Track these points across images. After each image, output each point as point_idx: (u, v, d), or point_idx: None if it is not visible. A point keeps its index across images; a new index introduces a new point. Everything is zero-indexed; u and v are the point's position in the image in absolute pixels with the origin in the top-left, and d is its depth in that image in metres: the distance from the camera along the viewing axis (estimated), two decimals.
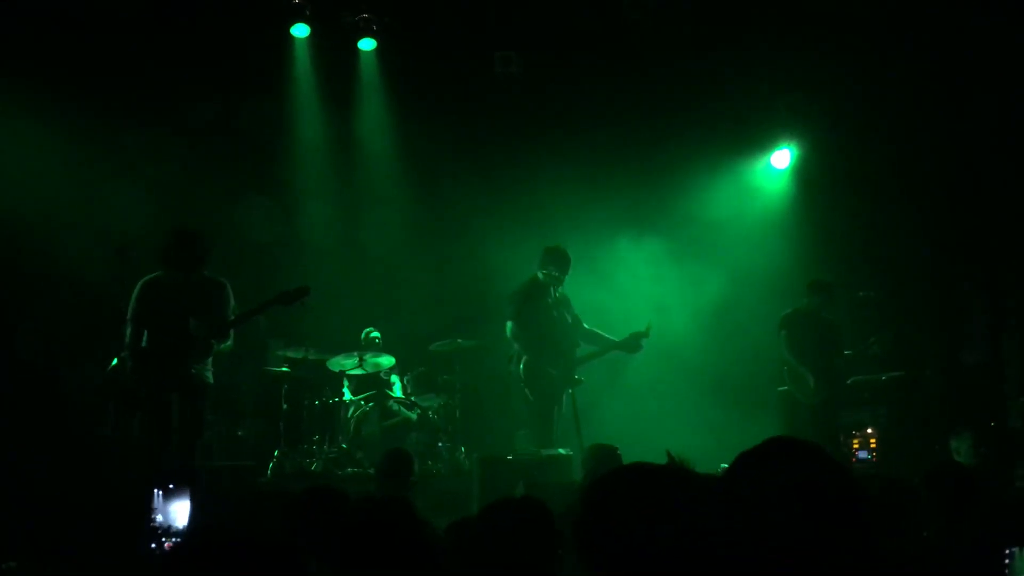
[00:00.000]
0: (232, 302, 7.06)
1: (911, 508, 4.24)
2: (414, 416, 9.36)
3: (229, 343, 7.05)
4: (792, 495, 1.79)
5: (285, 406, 9.15)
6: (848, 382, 9.13)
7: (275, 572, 1.87)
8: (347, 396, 9.51)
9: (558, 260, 8.45)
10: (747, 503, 1.79)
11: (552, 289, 8.46)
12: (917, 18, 9.22)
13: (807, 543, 1.79)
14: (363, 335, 9.82)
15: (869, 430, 9.22)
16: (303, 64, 10.30)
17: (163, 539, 4.39)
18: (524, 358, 8.35)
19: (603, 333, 8.76)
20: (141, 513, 4.71)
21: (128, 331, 6.86)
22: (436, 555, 2.74)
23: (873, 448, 9.10)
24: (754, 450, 1.90)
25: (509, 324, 8.43)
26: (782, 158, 10.82)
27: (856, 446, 9.17)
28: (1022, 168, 9.35)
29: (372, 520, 2.75)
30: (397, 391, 9.84)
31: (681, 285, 10.06)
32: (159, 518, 4.63)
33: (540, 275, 8.45)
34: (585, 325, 8.72)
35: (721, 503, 1.82)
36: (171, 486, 4.67)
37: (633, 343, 8.65)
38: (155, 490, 4.67)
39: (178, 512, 4.63)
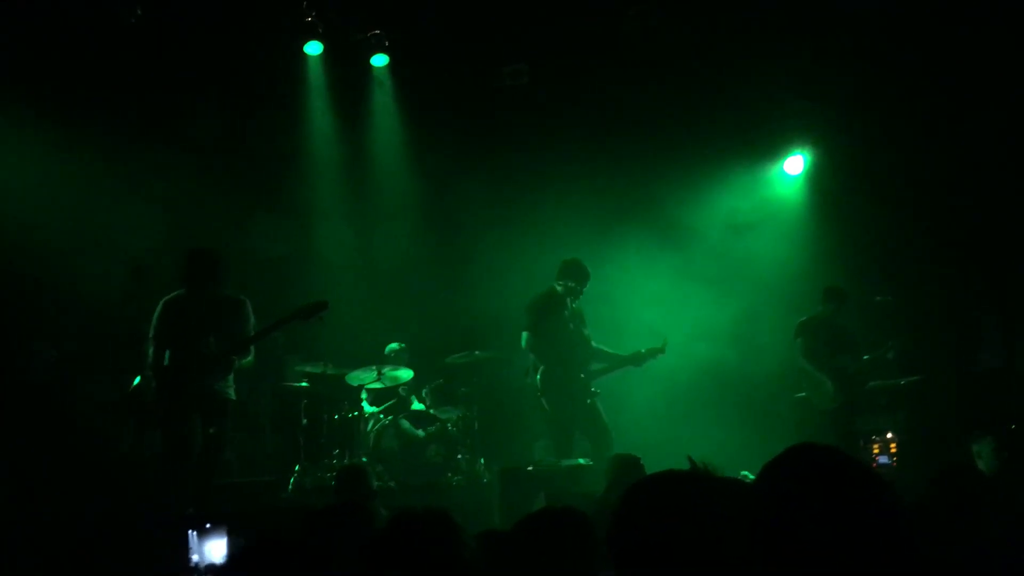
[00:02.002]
0: (252, 319, 7.11)
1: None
2: (422, 434, 9.36)
3: (250, 359, 7.10)
4: (821, 498, 1.80)
5: (304, 421, 9.16)
6: (866, 387, 9.12)
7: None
8: (366, 409, 9.54)
9: (576, 273, 8.53)
10: (776, 508, 1.80)
11: (569, 301, 8.50)
12: (929, 24, 9.22)
13: (840, 547, 1.79)
14: (387, 349, 9.83)
15: (889, 435, 9.19)
16: (316, 81, 10.36)
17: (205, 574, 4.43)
18: (541, 368, 8.38)
19: (609, 351, 8.82)
20: (172, 543, 4.74)
21: (150, 350, 6.91)
22: (475, 570, 2.75)
23: (893, 453, 9.08)
24: (777, 459, 1.91)
25: (525, 335, 8.47)
26: (795, 164, 10.83)
27: (876, 451, 9.15)
28: None
29: (415, 534, 2.76)
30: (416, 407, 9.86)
31: (694, 294, 10.04)
32: (195, 557, 4.66)
33: (558, 287, 8.50)
34: (593, 343, 8.76)
35: (753, 511, 1.83)
36: (207, 525, 4.70)
37: (644, 358, 8.72)
38: (190, 531, 4.70)
39: (214, 550, 4.65)
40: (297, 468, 8.85)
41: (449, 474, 9.16)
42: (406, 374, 9.55)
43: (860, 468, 1.88)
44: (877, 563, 1.78)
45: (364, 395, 9.68)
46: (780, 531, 1.81)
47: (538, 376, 8.44)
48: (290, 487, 8.70)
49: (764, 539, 1.85)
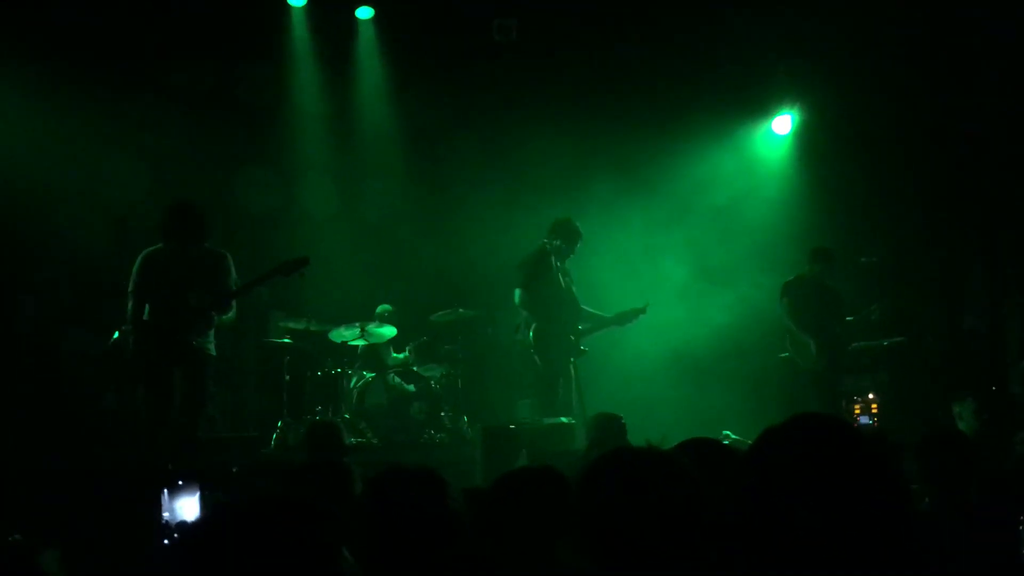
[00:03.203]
0: (233, 273, 7.05)
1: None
2: (412, 388, 9.37)
3: (232, 314, 7.04)
4: (825, 471, 1.75)
5: (287, 377, 9.16)
6: (850, 348, 9.14)
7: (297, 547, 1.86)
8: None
9: (567, 232, 8.58)
10: (779, 480, 1.76)
11: (558, 260, 8.52)
12: None
13: (844, 516, 1.74)
14: (378, 309, 9.80)
15: (870, 395, 9.24)
16: (300, 32, 10.22)
17: (175, 535, 4.41)
18: (534, 326, 8.43)
19: (594, 311, 8.87)
20: (150, 500, 4.72)
21: (130, 304, 6.84)
22: (462, 527, 2.75)
23: (874, 413, 9.13)
24: (781, 427, 1.84)
25: (518, 291, 8.52)
26: (783, 124, 10.77)
27: (857, 411, 9.21)
28: None
29: (402, 489, 2.75)
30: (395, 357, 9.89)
31: (680, 253, 10.03)
32: (166, 515, 4.64)
33: (548, 245, 8.51)
34: (580, 304, 8.81)
35: (751, 478, 1.79)
36: (179, 483, 4.68)
37: (627, 318, 8.81)
38: (163, 489, 4.68)
39: (186, 508, 4.63)
40: (280, 424, 8.85)
41: (432, 431, 9.18)
42: (389, 331, 9.53)
43: (867, 441, 1.83)
44: (883, 543, 1.74)
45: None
46: (780, 503, 1.76)
47: (531, 333, 8.48)
48: (272, 443, 8.71)
49: (760, 510, 1.79)
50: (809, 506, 1.69)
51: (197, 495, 4.65)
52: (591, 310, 8.87)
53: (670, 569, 2.01)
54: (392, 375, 9.44)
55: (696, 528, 2.04)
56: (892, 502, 1.73)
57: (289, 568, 1.83)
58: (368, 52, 10.52)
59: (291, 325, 9.30)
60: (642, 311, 8.79)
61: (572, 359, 8.57)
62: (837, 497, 1.70)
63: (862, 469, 1.74)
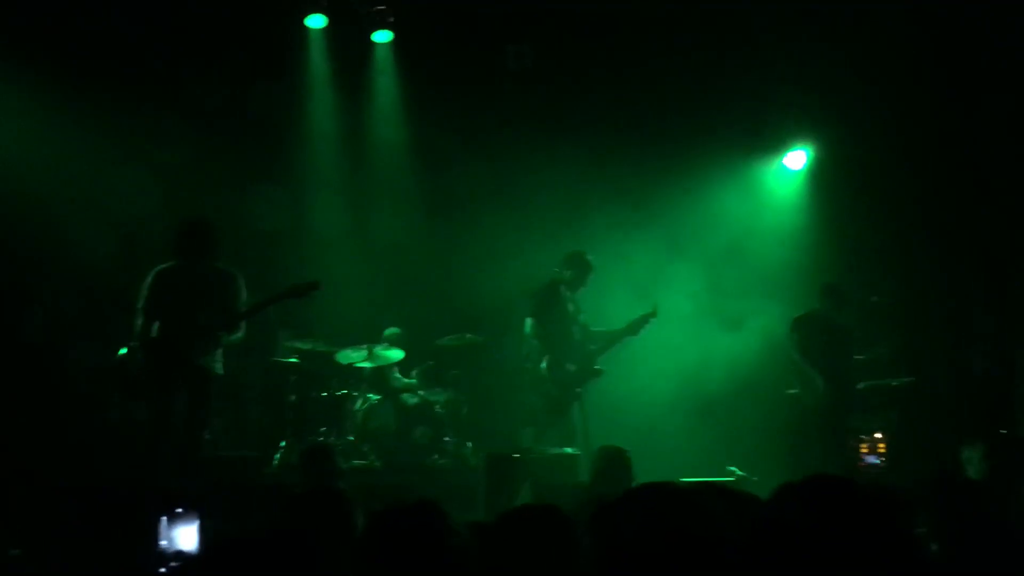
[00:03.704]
0: (244, 294, 7.04)
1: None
2: (416, 401, 9.35)
3: (240, 334, 7.03)
4: (839, 537, 1.75)
5: (292, 397, 9.12)
6: (858, 387, 9.09)
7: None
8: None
9: (579, 264, 8.67)
10: (795, 541, 1.75)
11: (568, 291, 8.53)
12: (934, 20, 9.15)
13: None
14: (386, 332, 9.77)
15: (878, 435, 9.17)
16: (317, 54, 10.27)
17: (172, 563, 4.36)
18: (547, 357, 8.45)
19: (605, 329, 8.89)
20: (149, 527, 4.68)
21: (139, 321, 6.83)
22: (464, 563, 2.71)
23: (881, 453, 9.06)
24: (799, 487, 1.85)
25: (529, 321, 8.55)
26: (797, 159, 10.76)
27: (864, 451, 9.14)
28: None
29: (404, 527, 2.71)
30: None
31: (690, 286, 10.00)
32: (164, 543, 4.59)
33: (559, 276, 8.54)
34: (590, 328, 8.85)
35: (768, 534, 1.78)
36: (179, 511, 4.64)
37: (639, 325, 8.78)
38: (162, 517, 4.64)
39: (184, 537, 4.59)
40: (283, 444, 8.81)
41: (435, 456, 9.15)
42: (396, 354, 9.50)
43: (881, 508, 1.82)
44: None
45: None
46: (796, 559, 1.76)
47: (544, 363, 8.47)
48: (275, 463, 8.66)
49: (779, 563, 1.79)
50: (823, 568, 1.69)
51: (196, 524, 4.60)
52: (603, 329, 8.85)
53: None
54: (405, 395, 9.42)
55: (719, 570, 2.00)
56: (903, 565, 1.72)
57: None
58: (383, 75, 10.56)
59: (298, 345, 9.28)
60: (652, 314, 8.74)
61: (579, 388, 8.52)
62: (850, 560, 1.70)
63: (874, 534, 1.73)
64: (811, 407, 8.66)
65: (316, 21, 9.90)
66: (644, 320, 8.76)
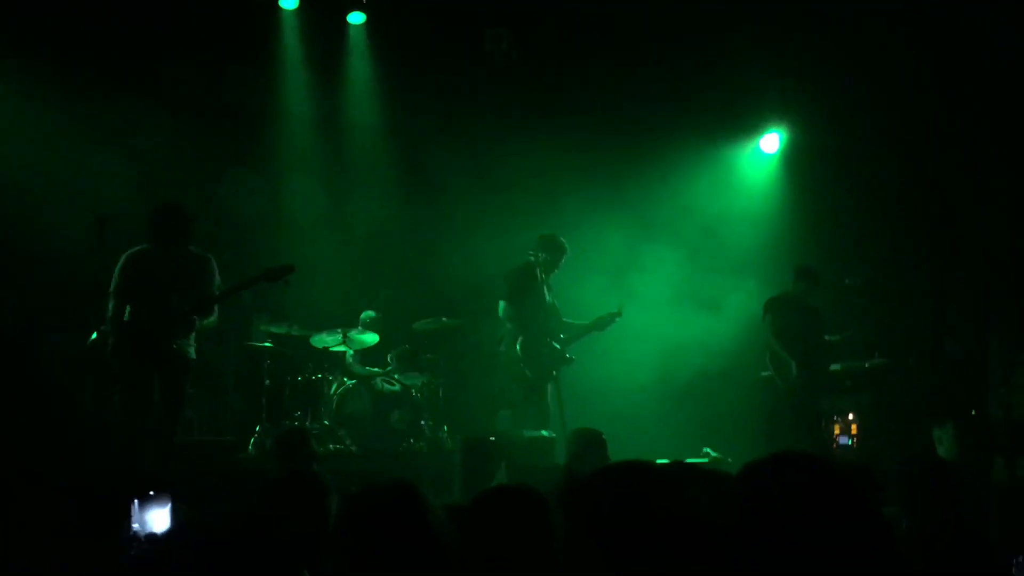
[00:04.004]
0: (217, 278, 6.99)
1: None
2: (397, 388, 9.35)
3: (214, 319, 6.99)
4: (805, 511, 1.77)
5: (267, 381, 9.10)
6: (832, 368, 9.16)
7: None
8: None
9: (552, 247, 8.66)
10: (762, 518, 1.77)
11: (543, 274, 8.54)
12: (910, 1, 9.19)
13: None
14: (362, 316, 9.75)
15: (851, 416, 9.26)
16: (291, 36, 10.20)
17: (145, 545, 4.33)
18: (520, 338, 8.45)
19: (574, 321, 8.91)
20: (120, 510, 4.66)
21: (110, 305, 6.78)
22: (444, 544, 2.70)
23: (854, 435, 9.15)
24: (762, 464, 1.88)
25: (502, 304, 8.56)
26: (771, 143, 10.81)
27: (837, 432, 9.23)
28: (1009, 159, 9.35)
29: (379, 507, 2.70)
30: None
31: (665, 270, 10.03)
32: (136, 526, 4.57)
33: (533, 259, 8.53)
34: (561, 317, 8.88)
35: (735, 514, 1.80)
36: (151, 493, 4.62)
37: (605, 322, 8.84)
38: (133, 499, 4.61)
39: (157, 520, 4.57)
40: (258, 428, 8.79)
41: (412, 440, 9.15)
42: (371, 338, 9.49)
43: (845, 483, 1.85)
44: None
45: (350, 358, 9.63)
46: (763, 537, 1.79)
47: (518, 346, 8.49)
48: (251, 447, 8.65)
49: (747, 541, 1.81)
50: (791, 544, 1.71)
51: (168, 506, 4.59)
52: (570, 320, 8.90)
53: None
54: (379, 380, 9.42)
55: (692, 547, 2.02)
56: (871, 540, 1.74)
57: None
58: (358, 57, 10.51)
59: (273, 329, 9.25)
60: (618, 314, 8.81)
61: (554, 371, 8.55)
62: (817, 536, 1.72)
63: (841, 509, 1.76)
64: (783, 389, 8.73)
65: (289, 2, 9.83)
66: (610, 318, 8.82)
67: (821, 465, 1.86)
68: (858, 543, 1.74)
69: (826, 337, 8.92)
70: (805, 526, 1.74)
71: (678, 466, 2.82)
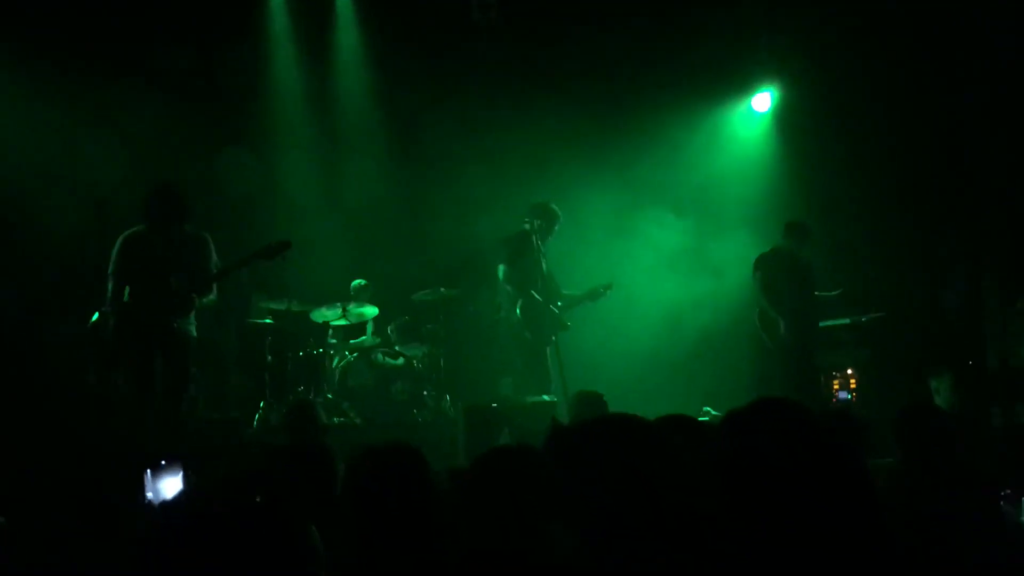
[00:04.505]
0: (214, 256, 7.04)
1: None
2: (400, 362, 9.41)
3: (212, 297, 7.04)
4: (783, 453, 1.82)
5: (269, 358, 9.15)
6: (829, 324, 9.19)
7: (266, 534, 1.90)
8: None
9: (546, 214, 8.71)
10: (743, 463, 1.82)
11: (538, 241, 8.59)
12: None
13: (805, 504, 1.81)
14: (352, 285, 9.81)
15: (849, 371, 9.32)
16: (279, 11, 10.18)
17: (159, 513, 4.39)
18: (520, 301, 8.51)
19: (566, 292, 8.98)
20: (134, 482, 4.72)
21: (109, 286, 6.82)
22: (442, 506, 2.77)
23: (853, 389, 9.21)
24: (742, 411, 1.92)
25: (502, 267, 8.63)
26: (763, 101, 10.80)
27: (836, 387, 9.29)
28: (1004, 113, 9.36)
29: (386, 468, 2.77)
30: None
31: (659, 233, 10.06)
32: (150, 495, 4.64)
33: (528, 227, 8.58)
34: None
35: (719, 461, 1.85)
36: (162, 463, 4.69)
37: (597, 293, 8.96)
38: (146, 469, 4.68)
39: (169, 488, 4.63)
40: (262, 405, 8.85)
41: (415, 411, 9.21)
42: (371, 311, 9.55)
43: (822, 427, 1.89)
44: (841, 517, 1.80)
45: (330, 331, 9.69)
46: (746, 485, 1.83)
47: (518, 309, 8.55)
48: (255, 424, 8.71)
49: (730, 491, 1.86)
50: (771, 487, 1.76)
51: (180, 475, 4.66)
52: (564, 291, 8.98)
53: (650, 537, 2.04)
54: (378, 353, 9.47)
55: (674, 497, 2.07)
56: (847, 481, 1.79)
57: (253, 547, 1.86)
58: (347, 30, 10.49)
59: (272, 306, 9.28)
60: (609, 287, 8.93)
61: (553, 336, 8.61)
62: (796, 478, 1.77)
63: (818, 451, 1.80)
64: (771, 347, 8.72)
65: None
66: (603, 290, 8.94)
67: (799, 409, 1.90)
68: (834, 483, 1.78)
69: (817, 293, 8.90)
70: (784, 467, 1.79)
71: (665, 419, 2.87)
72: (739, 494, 1.81)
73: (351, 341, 9.80)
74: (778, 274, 8.64)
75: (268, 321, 9.31)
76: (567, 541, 2.06)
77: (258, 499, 1.83)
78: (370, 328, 9.90)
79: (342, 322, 9.48)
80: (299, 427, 5.93)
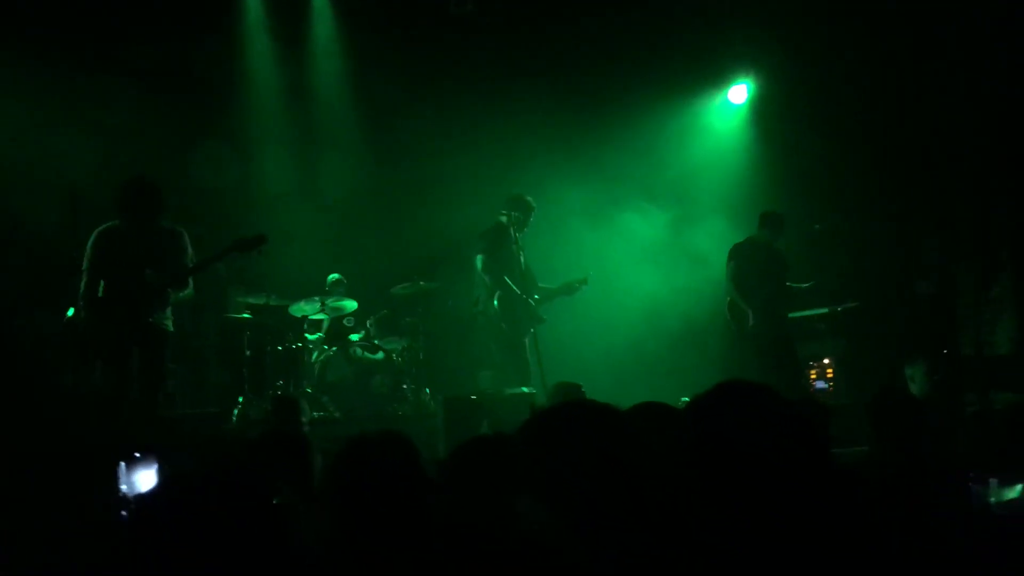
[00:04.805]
0: (190, 250, 6.99)
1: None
2: (379, 357, 9.40)
3: (189, 291, 7.00)
4: (745, 435, 1.84)
5: (248, 352, 9.12)
6: (805, 314, 9.24)
7: (246, 511, 1.90)
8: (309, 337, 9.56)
9: (521, 206, 8.77)
10: (706, 445, 1.85)
11: (515, 233, 8.60)
12: None
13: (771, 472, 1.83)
14: (328, 281, 9.79)
15: (826, 360, 9.37)
16: (254, 2, 10.13)
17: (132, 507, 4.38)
18: (498, 293, 8.52)
19: (543, 285, 9.02)
20: (109, 474, 4.70)
21: (83, 281, 6.78)
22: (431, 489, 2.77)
23: (830, 378, 9.27)
24: (705, 396, 1.96)
25: (480, 258, 8.66)
26: (739, 93, 10.84)
27: (813, 376, 9.34)
28: (978, 103, 9.42)
29: (375, 455, 2.75)
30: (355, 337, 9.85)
31: (635, 224, 10.10)
32: (124, 488, 4.62)
33: (505, 219, 8.60)
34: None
35: (684, 445, 1.88)
36: (136, 455, 4.66)
37: (573, 288, 9.06)
38: (120, 462, 4.65)
39: (144, 481, 4.61)
40: (241, 400, 8.82)
41: (395, 404, 9.21)
42: (350, 305, 9.54)
43: (784, 409, 1.91)
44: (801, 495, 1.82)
45: (306, 326, 9.67)
46: (712, 467, 1.86)
47: (495, 301, 8.56)
48: (234, 418, 8.68)
49: (698, 473, 1.89)
50: (736, 468, 1.78)
51: (155, 468, 4.63)
52: (541, 284, 9.01)
53: (620, 516, 2.06)
54: (355, 348, 9.45)
55: (640, 479, 2.08)
56: (811, 461, 1.81)
57: (231, 535, 1.86)
58: (322, 23, 10.45)
59: (251, 300, 9.25)
60: (584, 281, 9.01)
61: (531, 328, 8.64)
62: (761, 459, 1.79)
63: (781, 432, 1.83)
64: (739, 337, 8.73)
65: None
66: (578, 285, 9.03)
67: (761, 391, 1.92)
68: (798, 463, 1.81)
69: (791, 284, 8.91)
70: (748, 449, 1.81)
71: (638, 406, 2.89)
72: (706, 476, 1.83)
73: (329, 335, 9.78)
74: (751, 265, 8.64)
75: (246, 316, 9.28)
76: (535, 515, 2.08)
77: (236, 489, 1.82)
78: (349, 322, 9.88)
79: (320, 316, 9.47)
80: (286, 419, 5.93)
